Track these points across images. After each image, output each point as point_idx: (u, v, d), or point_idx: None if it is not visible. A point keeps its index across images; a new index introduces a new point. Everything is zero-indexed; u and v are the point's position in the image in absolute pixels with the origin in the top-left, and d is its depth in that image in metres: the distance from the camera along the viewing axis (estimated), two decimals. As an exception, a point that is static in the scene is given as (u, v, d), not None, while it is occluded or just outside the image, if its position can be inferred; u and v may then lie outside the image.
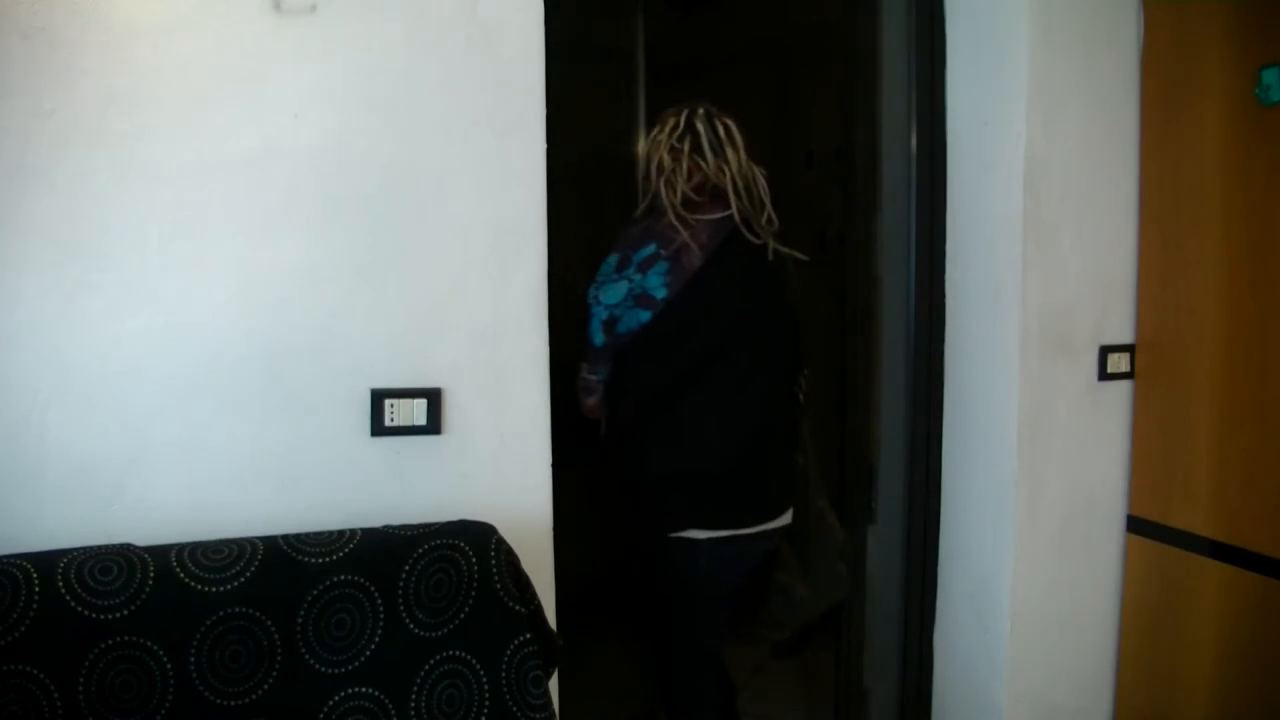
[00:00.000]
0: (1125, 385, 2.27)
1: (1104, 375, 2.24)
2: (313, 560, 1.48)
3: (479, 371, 1.75)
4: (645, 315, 1.78)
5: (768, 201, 1.88)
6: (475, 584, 1.56)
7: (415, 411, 1.70)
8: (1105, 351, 2.24)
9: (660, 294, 1.77)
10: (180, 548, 1.44)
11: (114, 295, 1.55)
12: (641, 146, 1.99)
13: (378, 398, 1.68)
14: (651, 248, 1.79)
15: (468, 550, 1.57)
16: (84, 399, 1.53)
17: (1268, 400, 1.94)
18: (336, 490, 1.67)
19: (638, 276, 1.78)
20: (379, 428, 1.69)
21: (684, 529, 1.88)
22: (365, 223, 1.67)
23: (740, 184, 1.83)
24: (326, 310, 1.66)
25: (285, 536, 1.51)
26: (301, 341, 1.65)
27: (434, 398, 1.71)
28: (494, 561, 1.57)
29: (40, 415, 1.51)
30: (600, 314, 1.82)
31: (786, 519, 1.97)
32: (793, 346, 2.01)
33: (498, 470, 1.76)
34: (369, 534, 1.54)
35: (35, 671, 1.29)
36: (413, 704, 1.50)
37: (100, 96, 1.52)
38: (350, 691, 1.47)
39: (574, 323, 1.93)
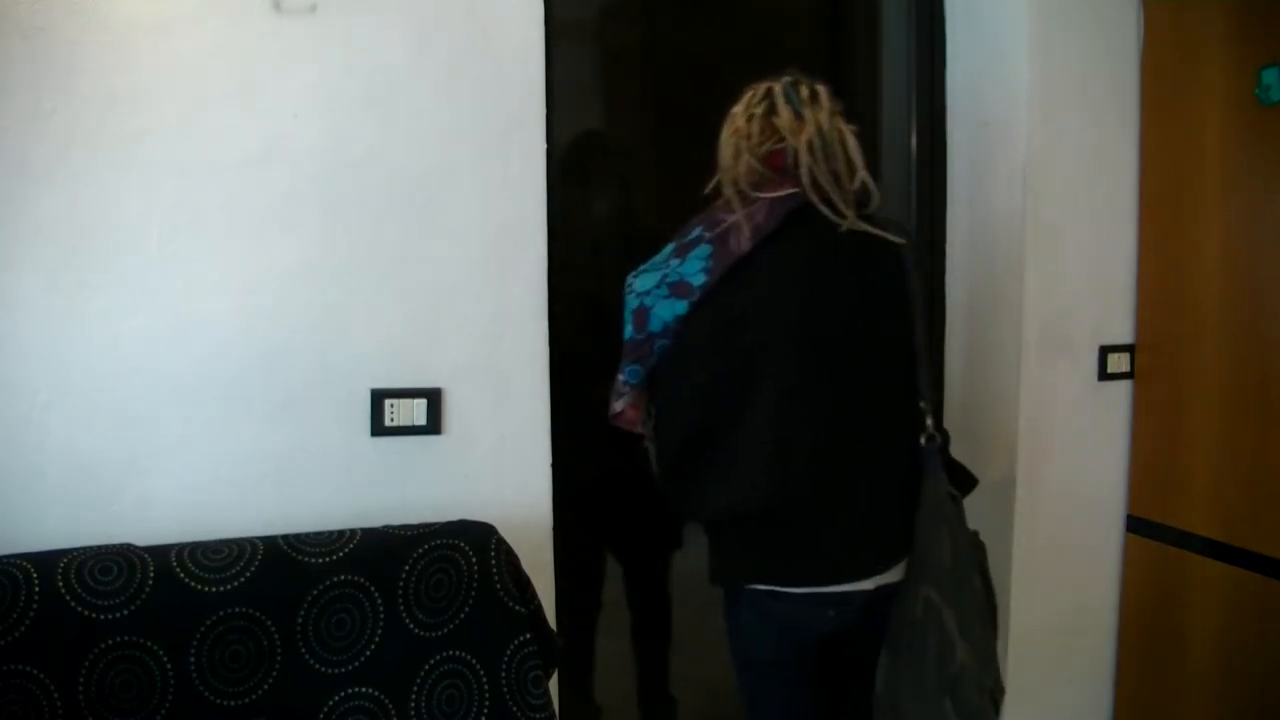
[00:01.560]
0: (1125, 385, 2.27)
1: (1104, 375, 2.24)
2: (313, 560, 1.48)
3: (479, 371, 1.75)
4: (681, 306, 1.49)
5: (860, 165, 1.53)
6: (475, 584, 1.56)
7: (415, 411, 1.70)
8: (1105, 351, 2.24)
9: (698, 281, 1.48)
10: (180, 548, 1.44)
11: (114, 295, 1.55)
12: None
13: (378, 398, 1.68)
14: (696, 230, 1.52)
15: (468, 550, 1.57)
16: (84, 399, 1.53)
17: (1268, 400, 1.94)
18: (336, 490, 1.67)
19: (675, 262, 1.50)
20: (379, 428, 1.69)
21: (734, 580, 1.59)
22: (365, 223, 1.67)
23: (818, 143, 1.51)
24: (326, 310, 1.66)
25: (285, 536, 1.51)
26: (301, 341, 1.65)
27: (434, 398, 1.71)
28: (494, 561, 1.57)
29: (40, 415, 1.51)
30: (631, 302, 1.53)
31: (865, 585, 1.54)
32: (900, 354, 1.59)
33: (498, 470, 1.76)
34: (369, 534, 1.54)
35: (35, 671, 1.29)
36: (413, 704, 1.50)
37: (101, 96, 1.52)
38: (350, 691, 1.47)
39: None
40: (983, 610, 1.61)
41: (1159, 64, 2.17)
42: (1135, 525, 2.25)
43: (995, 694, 1.60)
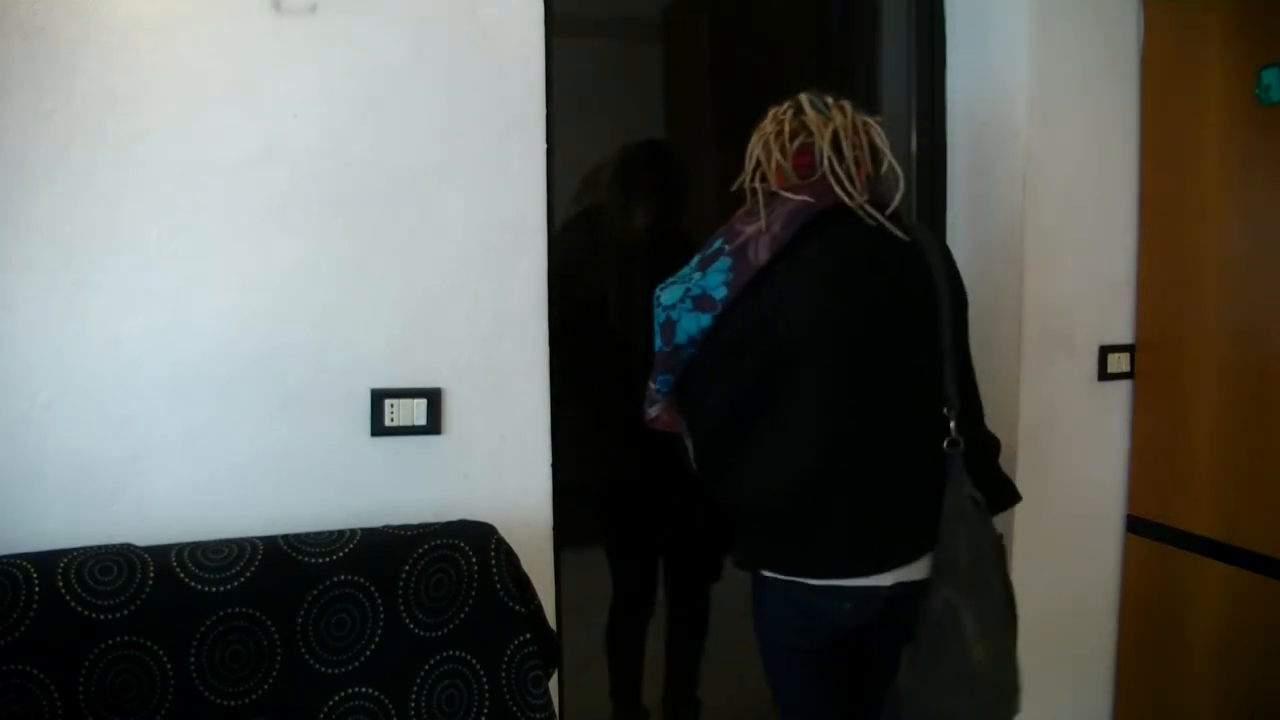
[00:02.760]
0: (1125, 385, 2.26)
1: (1104, 375, 2.24)
2: (313, 560, 1.48)
3: (479, 371, 1.75)
4: (705, 319, 1.54)
5: (885, 152, 1.60)
6: (475, 584, 1.56)
7: (415, 411, 1.70)
8: (1105, 351, 2.23)
9: (720, 294, 1.53)
10: (180, 548, 1.44)
11: (114, 295, 1.55)
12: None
13: (378, 398, 1.68)
14: (717, 243, 1.57)
15: (468, 550, 1.57)
16: (84, 399, 1.53)
17: (1268, 400, 1.94)
18: (336, 490, 1.67)
19: (696, 275, 1.56)
20: (379, 428, 1.69)
21: (756, 567, 1.65)
22: (365, 222, 1.67)
23: (842, 135, 1.57)
24: (326, 310, 1.66)
25: (285, 536, 1.51)
26: (301, 341, 1.65)
27: (434, 398, 1.71)
28: (494, 561, 1.57)
29: (41, 415, 1.51)
30: (658, 316, 1.60)
31: (883, 580, 1.57)
32: (929, 355, 1.61)
33: (498, 470, 1.76)
34: (369, 534, 1.54)
35: (35, 671, 1.29)
36: (413, 704, 1.50)
37: (100, 96, 1.52)
38: (350, 691, 1.47)
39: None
40: (1002, 611, 1.64)
41: (1159, 64, 2.17)
42: (1135, 525, 2.25)
43: (1012, 692, 1.63)
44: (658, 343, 1.61)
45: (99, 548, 1.41)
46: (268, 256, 1.62)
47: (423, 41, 1.69)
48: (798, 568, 1.59)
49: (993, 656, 1.58)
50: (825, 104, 1.62)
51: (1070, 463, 2.23)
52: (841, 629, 1.62)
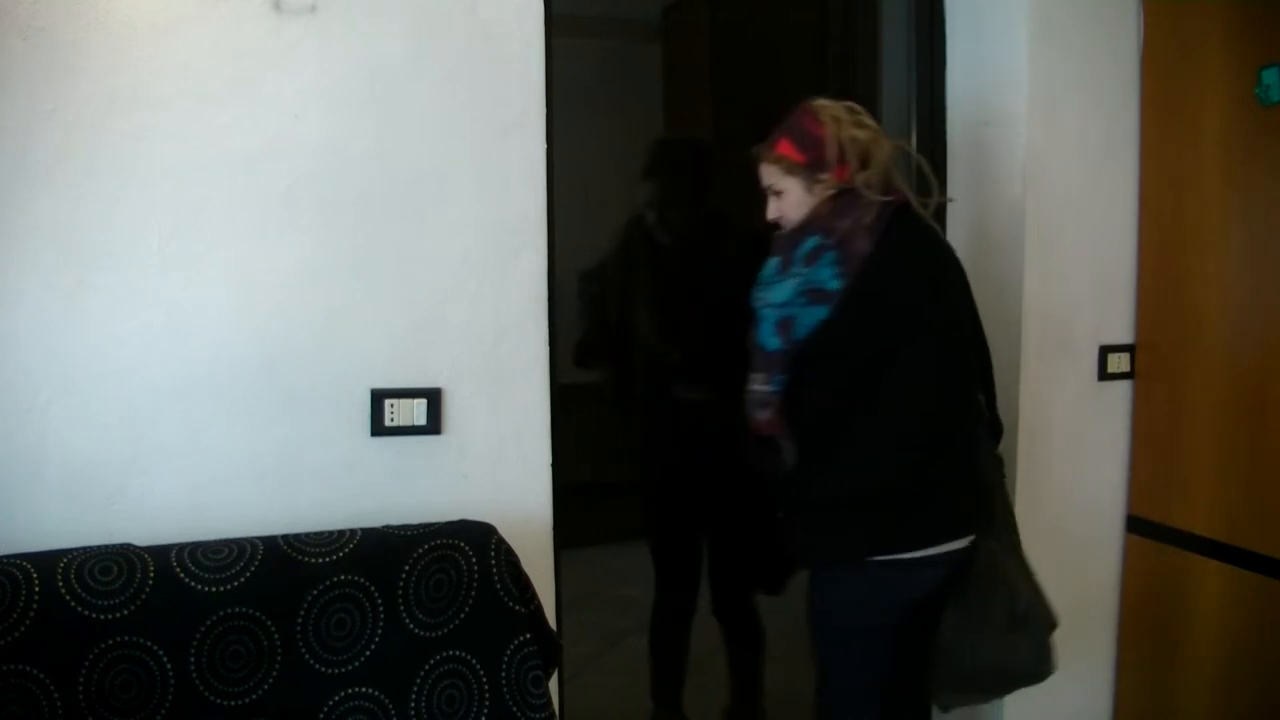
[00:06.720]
0: (1125, 385, 2.26)
1: (1104, 375, 2.24)
2: (313, 560, 1.48)
3: (479, 371, 1.75)
4: (822, 312, 1.59)
5: (924, 162, 1.79)
6: (475, 584, 1.56)
7: (415, 411, 1.70)
8: (1105, 351, 2.23)
9: (835, 285, 1.58)
10: (180, 548, 1.44)
11: (114, 295, 1.55)
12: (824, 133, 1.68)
13: (378, 398, 1.69)
14: (814, 240, 1.61)
15: (467, 550, 1.57)
16: (84, 399, 1.54)
17: (1268, 400, 1.94)
18: (336, 490, 1.67)
19: (805, 270, 1.60)
20: (379, 428, 1.69)
21: (859, 557, 1.66)
22: (365, 222, 1.67)
23: (899, 151, 1.71)
24: (326, 310, 1.66)
25: (285, 536, 1.51)
26: (301, 341, 1.65)
27: (434, 398, 1.71)
28: (494, 561, 1.58)
29: (41, 415, 1.51)
30: (770, 316, 1.62)
31: (949, 547, 1.66)
32: (968, 343, 1.78)
33: (498, 470, 1.76)
34: (369, 534, 1.54)
35: (35, 671, 1.29)
36: (413, 704, 1.50)
37: (100, 96, 1.52)
38: (350, 691, 1.47)
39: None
40: (1024, 558, 1.82)
41: (1159, 64, 2.17)
42: (1135, 525, 2.25)
43: (1052, 626, 1.81)
44: (775, 342, 1.62)
45: (99, 548, 1.41)
46: (268, 256, 1.62)
47: (423, 41, 1.69)
48: (903, 544, 1.64)
49: (1035, 595, 1.77)
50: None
51: (1070, 463, 2.23)
52: (917, 598, 1.68)
